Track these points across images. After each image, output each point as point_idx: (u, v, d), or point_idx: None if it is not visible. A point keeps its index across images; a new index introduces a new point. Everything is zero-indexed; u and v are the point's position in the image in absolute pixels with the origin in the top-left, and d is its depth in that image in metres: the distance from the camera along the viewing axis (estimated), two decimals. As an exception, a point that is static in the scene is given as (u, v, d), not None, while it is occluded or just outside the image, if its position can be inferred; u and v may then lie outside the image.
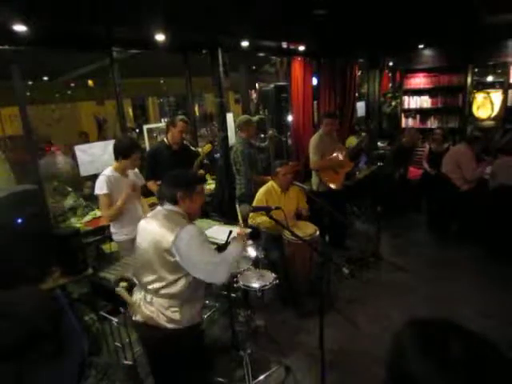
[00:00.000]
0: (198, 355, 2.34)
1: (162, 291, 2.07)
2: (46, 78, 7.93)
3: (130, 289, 2.63)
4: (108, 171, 3.31)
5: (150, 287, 2.11)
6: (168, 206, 2.17)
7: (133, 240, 3.26)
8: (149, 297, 2.12)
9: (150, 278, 2.10)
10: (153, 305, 2.10)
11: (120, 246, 3.51)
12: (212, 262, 2.03)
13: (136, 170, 3.53)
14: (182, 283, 2.06)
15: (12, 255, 2.80)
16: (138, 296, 2.21)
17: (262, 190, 4.01)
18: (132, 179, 3.44)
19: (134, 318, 2.20)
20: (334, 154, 4.84)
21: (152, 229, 2.10)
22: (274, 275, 3.05)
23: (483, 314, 3.51)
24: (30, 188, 3.23)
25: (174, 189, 2.14)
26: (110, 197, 3.27)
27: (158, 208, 2.23)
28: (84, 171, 3.97)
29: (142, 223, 2.23)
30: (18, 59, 3.45)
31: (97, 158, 4.00)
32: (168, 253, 2.00)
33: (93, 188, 3.41)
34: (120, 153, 3.31)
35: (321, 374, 2.58)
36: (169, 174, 2.27)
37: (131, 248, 3.28)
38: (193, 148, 4.50)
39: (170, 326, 2.08)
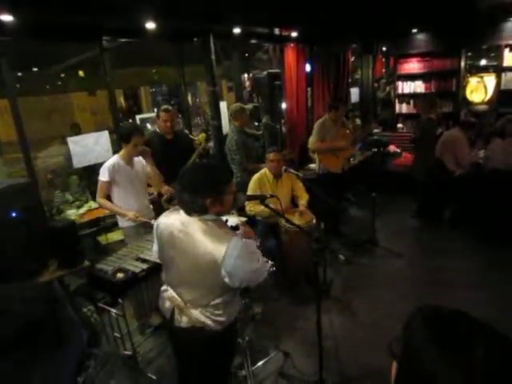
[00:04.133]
0: (234, 346, 2.28)
1: (206, 303, 1.91)
2: (35, 69, 7.81)
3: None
4: (114, 158, 3.36)
5: (191, 301, 1.94)
6: (198, 217, 1.87)
7: (137, 227, 3.42)
8: (190, 306, 1.95)
9: (192, 294, 1.93)
10: (196, 310, 1.93)
11: (124, 232, 3.58)
12: (255, 269, 1.87)
13: (140, 158, 3.50)
14: (227, 294, 1.92)
15: (7, 249, 2.79)
16: (176, 302, 1.99)
17: (254, 178, 3.99)
18: (137, 170, 3.47)
19: (176, 324, 1.99)
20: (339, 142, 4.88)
21: (192, 248, 1.84)
22: (270, 263, 3.06)
23: (480, 298, 3.56)
24: (23, 181, 3.21)
25: (201, 198, 1.81)
26: (109, 184, 3.32)
27: (185, 216, 1.90)
28: (77, 163, 3.94)
29: (172, 235, 1.92)
30: (6, 50, 3.39)
31: (90, 149, 3.97)
32: (216, 275, 1.79)
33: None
34: (121, 137, 3.37)
35: (319, 360, 2.62)
36: (187, 178, 1.89)
37: (135, 235, 3.41)
38: (186, 131, 4.52)
39: (215, 327, 1.93)
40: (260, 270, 1.91)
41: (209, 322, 1.92)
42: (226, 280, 1.79)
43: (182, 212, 1.93)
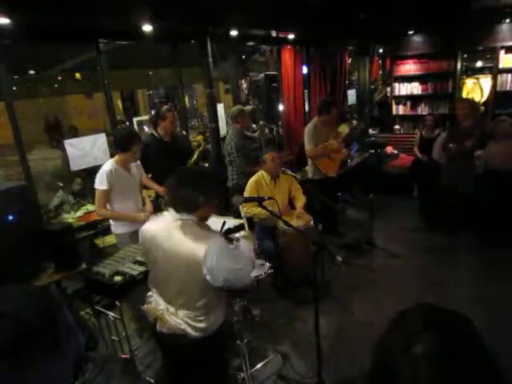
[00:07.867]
0: (224, 353, 2.27)
1: (188, 304, 1.92)
2: (32, 72, 7.80)
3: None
4: (109, 164, 3.17)
5: (173, 301, 1.96)
6: (182, 216, 1.89)
7: (131, 233, 3.34)
8: (172, 309, 1.96)
9: (174, 293, 1.94)
10: (177, 316, 1.94)
11: (118, 238, 3.49)
12: (237, 269, 1.88)
13: (138, 162, 3.44)
14: (209, 296, 1.91)
15: (3, 252, 2.78)
16: (159, 307, 2.01)
17: (252, 181, 3.98)
18: (134, 174, 3.40)
19: (158, 329, 2.02)
20: (330, 141, 4.84)
21: (173, 247, 1.86)
22: (268, 264, 3.06)
23: (476, 298, 3.57)
24: (19, 185, 3.20)
25: (197, 194, 1.84)
26: (109, 193, 3.15)
27: (169, 217, 1.94)
28: (74, 166, 3.93)
29: (154, 236, 1.95)
30: (2, 53, 3.38)
31: (87, 152, 3.95)
32: (197, 274, 1.80)
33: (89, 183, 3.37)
34: (119, 145, 3.17)
35: (317, 361, 2.61)
36: (186, 174, 1.96)
37: (129, 241, 3.32)
38: (184, 133, 4.52)
39: (197, 334, 1.93)
40: (244, 270, 1.93)
41: (189, 329, 1.92)
42: (208, 278, 1.80)
43: (165, 214, 1.99)
